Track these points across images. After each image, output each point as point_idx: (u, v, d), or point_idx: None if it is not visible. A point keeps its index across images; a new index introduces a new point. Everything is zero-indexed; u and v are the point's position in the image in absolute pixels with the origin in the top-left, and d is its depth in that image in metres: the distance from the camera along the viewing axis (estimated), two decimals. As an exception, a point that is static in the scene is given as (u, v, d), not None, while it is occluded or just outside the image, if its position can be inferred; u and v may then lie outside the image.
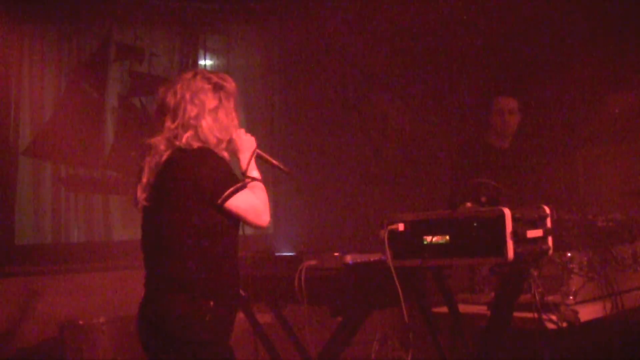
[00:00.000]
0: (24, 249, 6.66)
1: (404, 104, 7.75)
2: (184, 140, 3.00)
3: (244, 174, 3.16)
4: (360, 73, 7.74)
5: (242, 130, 3.24)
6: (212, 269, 2.97)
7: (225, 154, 3.15)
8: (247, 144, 3.21)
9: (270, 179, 5.57)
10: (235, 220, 3.05)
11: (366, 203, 7.39)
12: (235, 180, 3.00)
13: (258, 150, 3.26)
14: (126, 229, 6.98)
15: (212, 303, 2.93)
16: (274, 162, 3.38)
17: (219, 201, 2.94)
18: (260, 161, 3.31)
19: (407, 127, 7.77)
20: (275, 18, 8.10)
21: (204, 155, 3.00)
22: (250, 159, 3.19)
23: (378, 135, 7.81)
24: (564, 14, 6.29)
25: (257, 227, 3.10)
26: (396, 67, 7.58)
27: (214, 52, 7.91)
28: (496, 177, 3.43)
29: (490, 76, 6.83)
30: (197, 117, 3.04)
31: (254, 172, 3.19)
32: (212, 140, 3.07)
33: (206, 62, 7.82)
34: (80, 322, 5.69)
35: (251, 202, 3.02)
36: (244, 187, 3.01)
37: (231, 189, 2.95)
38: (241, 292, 3.15)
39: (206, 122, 3.05)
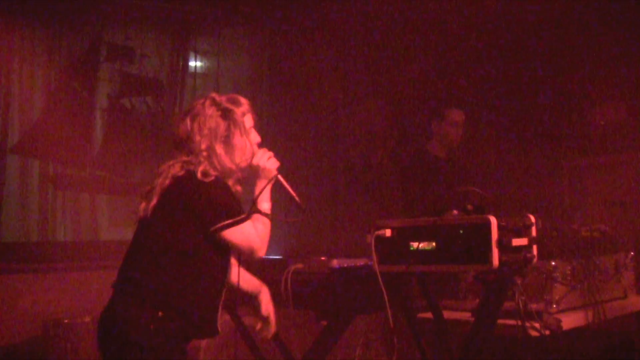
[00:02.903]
0: (10, 246, 6.64)
1: (391, 110, 7.79)
2: (199, 174, 2.96)
3: (253, 202, 3.12)
4: (349, 78, 7.78)
5: (265, 155, 3.17)
6: (180, 285, 2.93)
7: (239, 188, 3.12)
8: (265, 172, 3.15)
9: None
10: (225, 249, 3.04)
11: (353, 208, 7.42)
12: (236, 212, 2.96)
13: (278, 177, 3.19)
14: (113, 228, 6.98)
15: (160, 313, 2.88)
16: (292, 192, 3.27)
17: (212, 229, 2.92)
18: (277, 187, 3.24)
19: (394, 133, 7.81)
20: (265, 21, 8.13)
21: (212, 182, 2.96)
22: (263, 188, 3.14)
23: (365, 140, 7.85)
24: (551, 26, 6.35)
25: (251, 258, 3.09)
26: (384, 73, 7.62)
27: (204, 54, 7.94)
28: (439, 186, 3.48)
29: (477, 86, 6.88)
30: (209, 147, 3.02)
31: (264, 204, 3.13)
32: (229, 166, 3.05)
33: (196, 63, 7.85)
34: (65, 321, 5.68)
35: (247, 237, 2.99)
36: (242, 220, 2.97)
37: (227, 221, 2.93)
38: (218, 327, 3.12)
39: (220, 150, 3.03)
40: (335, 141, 7.81)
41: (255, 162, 3.15)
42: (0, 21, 6.59)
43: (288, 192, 3.27)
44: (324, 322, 3.61)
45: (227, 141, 3.06)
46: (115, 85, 7.29)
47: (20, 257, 6.59)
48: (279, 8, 7.95)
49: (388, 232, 3.31)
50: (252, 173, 3.18)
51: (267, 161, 3.17)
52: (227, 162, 3.05)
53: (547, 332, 3.51)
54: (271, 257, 3.96)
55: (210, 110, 3.07)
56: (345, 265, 3.60)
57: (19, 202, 6.76)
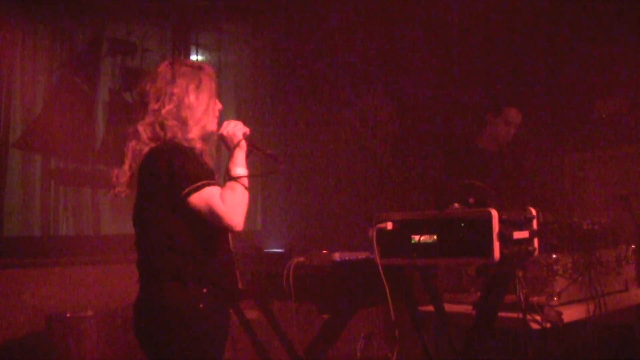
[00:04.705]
0: (12, 241, 6.65)
1: (393, 103, 7.80)
2: (168, 121, 3.02)
3: (227, 170, 3.07)
4: (351, 71, 7.78)
5: (231, 123, 3.17)
6: (199, 259, 2.97)
7: (199, 145, 3.08)
8: (231, 138, 3.12)
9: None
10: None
11: (355, 201, 7.43)
12: (196, 178, 2.92)
13: (246, 141, 3.12)
14: (115, 223, 6.98)
15: (205, 290, 2.94)
16: (265, 150, 3.15)
17: (179, 199, 2.91)
18: (255, 152, 3.17)
19: (396, 127, 7.82)
20: (266, 15, 8.12)
21: (176, 150, 2.98)
22: (233, 153, 3.09)
23: (368, 133, 7.86)
24: (553, 20, 6.35)
25: (224, 227, 2.95)
26: (387, 67, 7.63)
27: (205, 48, 7.93)
28: (486, 180, 3.47)
29: (479, 80, 6.88)
30: (180, 96, 3.06)
31: (238, 169, 3.05)
32: (195, 117, 3.07)
33: (198, 57, 7.85)
34: (68, 315, 5.69)
35: (207, 202, 2.90)
36: (205, 185, 2.92)
37: (191, 186, 2.89)
38: (240, 285, 3.17)
39: (189, 100, 3.06)
40: (338, 135, 7.81)
41: (221, 131, 3.14)
42: (2, 16, 6.59)
43: (263, 152, 3.15)
44: (326, 316, 3.62)
45: (196, 93, 3.09)
46: (117, 79, 7.27)
47: (22, 251, 6.59)
48: (281, 1, 7.95)
49: (389, 226, 3.32)
50: (224, 146, 3.16)
51: (233, 128, 3.13)
52: (194, 112, 3.08)
53: (548, 325, 3.53)
54: (273, 250, 3.97)
55: (181, 66, 3.12)
56: (347, 258, 3.62)
57: (21, 196, 6.76)
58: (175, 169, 2.92)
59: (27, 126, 6.80)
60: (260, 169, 3.41)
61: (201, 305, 2.92)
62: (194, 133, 3.07)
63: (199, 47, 7.84)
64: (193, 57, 7.76)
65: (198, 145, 3.08)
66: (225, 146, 3.16)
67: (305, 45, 7.78)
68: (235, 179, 3.02)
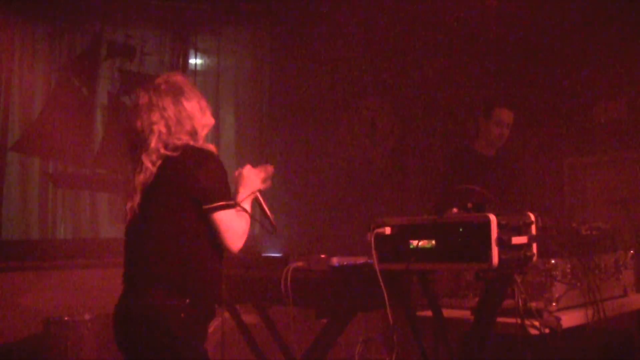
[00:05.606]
0: (10, 244, 6.65)
1: (392, 109, 7.79)
2: (178, 141, 3.03)
3: (237, 203, 3.15)
4: (350, 77, 7.78)
5: (256, 169, 3.28)
6: (194, 268, 2.99)
7: (212, 147, 3.16)
8: (251, 182, 3.23)
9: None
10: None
11: (353, 206, 7.42)
12: (229, 195, 3.05)
13: (257, 194, 3.27)
14: (113, 226, 6.98)
15: (187, 300, 2.95)
16: (267, 212, 3.34)
17: (205, 207, 2.97)
18: (255, 203, 3.30)
19: (395, 132, 7.81)
20: (266, 19, 8.13)
21: (205, 157, 3.04)
22: (247, 196, 3.20)
23: (366, 139, 7.85)
24: (553, 25, 6.34)
25: (227, 248, 3.06)
26: (386, 72, 7.62)
27: (204, 52, 7.94)
28: (484, 184, 3.46)
29: (478, 85, 6.88)
30: (174, 113, 3.06)
31: (246, 205, 3.18)
32: (197, 121, 3.12)
33: (197, 61, 7.85)
34: (66, 319, 5.68)
35: (235, 224, 3.03)
36: (234, 206, 3.05)
37: (222, 202, 2.99)
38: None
39: (185, 111, 3.09)
40: (336, 139, 7.81)
41: (243, 171, 3.26)
42: (1, 18, 6.59)
43: (264, 212, 3.34)
44: (324, 320, 3.62)
45: (183, 115, 3.10)
46: (115, 83, 7.29)
47: (20, 254, 6.60)
48: (280, 6, 7.96)
49: (388, 230, 3.31)
50: (237, 182, 3.24)
51: (255, 175, 3.26)
52: (198, 129, 3.12)
53: (547, 331, 3.52)
54: (271, 254, 3.96)
55: (147, 100, 3.11)
56: (345, 263, 3.61)
57: (19, 199, 6.78)
58: (209, 180, 2.99)
59: (25, 129, 6.81)
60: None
61: (183, 315, 2.93)
62: (201, 134, 3.15)
63: (197, 50, 7.84)
64: (192, 61, 7.77)
65: (212, 147, 3.16)
66: (239, 182, 3.25)
67: (304, 49, 7.79)
68: (247, 211, 3.15)
